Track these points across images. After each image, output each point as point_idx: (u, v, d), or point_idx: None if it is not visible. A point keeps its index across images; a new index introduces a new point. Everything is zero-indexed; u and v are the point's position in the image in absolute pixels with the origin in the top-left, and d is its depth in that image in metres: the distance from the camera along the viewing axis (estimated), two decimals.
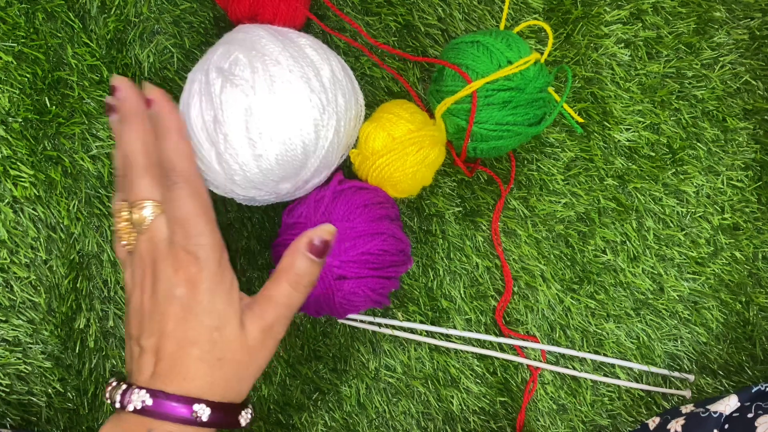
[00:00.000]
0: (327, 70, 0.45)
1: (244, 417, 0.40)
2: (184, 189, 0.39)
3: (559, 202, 0.56)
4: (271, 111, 0.42)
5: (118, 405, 0.37)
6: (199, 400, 0.37)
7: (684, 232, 0.56)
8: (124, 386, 0.38)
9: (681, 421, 0.51)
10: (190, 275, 0.39)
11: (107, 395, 0.39)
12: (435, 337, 0.54)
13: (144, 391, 0.37)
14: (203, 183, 0.41)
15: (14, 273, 0.51)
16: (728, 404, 0.49)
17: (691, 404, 0.52)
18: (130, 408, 0.37)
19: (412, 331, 0.54)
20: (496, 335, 0.55)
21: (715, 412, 0.49)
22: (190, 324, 0.38)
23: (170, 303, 0.38)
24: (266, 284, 0.41)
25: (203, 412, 0.37)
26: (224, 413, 0.38)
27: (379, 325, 0.54)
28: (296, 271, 0.40)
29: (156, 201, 0.40)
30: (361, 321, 0.54)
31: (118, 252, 0.42)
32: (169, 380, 0.38)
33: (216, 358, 0.38)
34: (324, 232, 0.40)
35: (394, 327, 0.54)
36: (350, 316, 0.52)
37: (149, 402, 0.37)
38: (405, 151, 0.46)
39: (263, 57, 0.43)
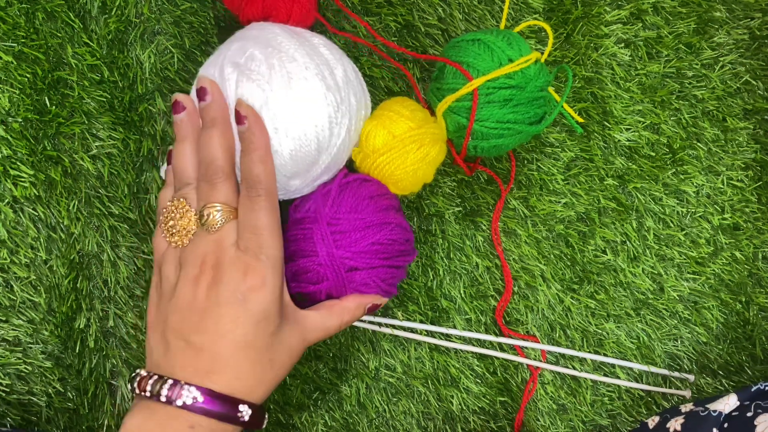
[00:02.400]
0: (340, 70, 0.45)
1: (266, 419, 0.42)
2: (266, 202, 0.42)
3: (559, 202, 0.56)
4: (287, 106, 0.43)
5: (164, 399, 0.38)
6: (243, 401, 0.39)
7: (684, 232, 0.56)
8: (170, 380, 0.38)
9: (680, 419, 0.51)
10: (256, 281, 0.40)
11: (144, 387, 0.39)
12: (435, 337, 0.54)
13: (194, 387, 0.38)
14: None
15: (14, 273, 0.51)
16: (728, 403, 0.49)
17: (691, 403, 0.52)
18: (179, 403, 0.37)
19: (412, 330, 0.54)
20: (496, 335, 0.55)
21: (714, 411, 0.49)
22: (250, 327, 0.40)
23: (232, 305, 0.40)
24: (323, 309, 0.44)
25: (246, 413, 0.39)
26: (259, 415, 0.40)
27: (380, 324, 0.54)
28: (351, 316, 0.45)
29: (230, 206, 0.42)
30: (361, 320, 0.54)
31: (158, 244, 0.44)
32: (218, 377, 0.39)
33: (268, 359, 0.41)
34: (382, 300, 0.47)
35: (394, 326, 0.54)
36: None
37: (200, 399, 0.38)
38: (406, 148, 0.46)
39: (279, 53, 0.43)
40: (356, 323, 0.54)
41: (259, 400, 0.41)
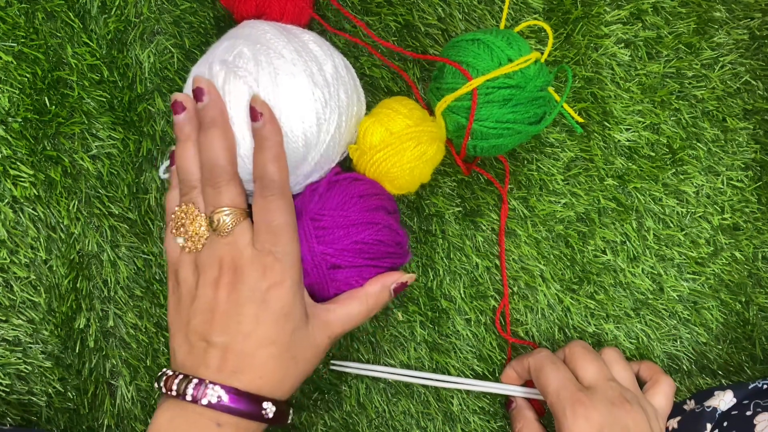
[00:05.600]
0: (330, 65, 0.45)
1: (291, 415, 0.43)
2: (281, 200, 0.42)
3: (559, 202, 0.56)
4: (274, 103, 0.43)
5: (189, 398, 0.38)
6: (267, 399, 0.40)
7: (684, 232, 0.56)
8: (195, 380, 0.39)
9: (678, 418, 0.51)
10: (275, 279, 0.41)
11: (171, 386, 0.39)
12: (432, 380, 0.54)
13: (219, 386, 0.39)
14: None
15: (14, 273, 0.51)
16: (723, 399, 0.49)
17: (690, 400, 0.52)
18: (204, 402, 0.38)
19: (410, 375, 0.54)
20: (498, 364, 0.55)
21: (708, 407, 0.49)
22: (271, 325, 0.41)
23: (253, 304, 0.40)
24: (344, 300, 0.44)
25: (270, 410, 0.40)
26: (284, 411, 0.41)
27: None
28: (376, 300, 0.45)
29: (239, 208, 0.42)
30: (354, 367, 0.53)
31: (171, 249, 0.44)
32: (241, 376, 0.40)
33: (291, 356, 0.41)
34: (408, 276, 0.46)
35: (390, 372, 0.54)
36: (342, 363, 0.53)
37: (225, 398, 0.39)
38: (402, 146, 0.46)
39: (267, 50, 0.43)
40: (348, 369, 0.53)
41: (283, 397, 0.41)
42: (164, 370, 0.41)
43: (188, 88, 0.45)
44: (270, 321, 0.41)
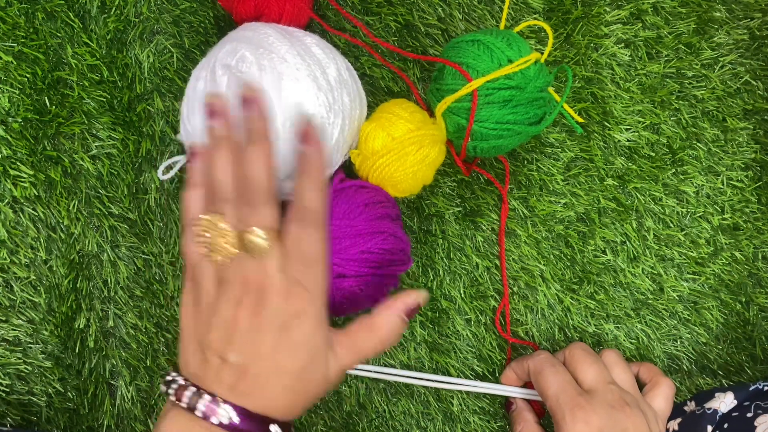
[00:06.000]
0: (333, 69, 0.45)
1: None
2: (318, 232, 0.41)
3: (559, 203, 0.56)
4: (277, 107, 0.42)
5: (199, 414, 0.38)
6: (275, 421, 0.39)
7: (684, 232, 0.56)
8: (207, 396, 0.38)
9: (678, 419, 0.51)
10: (298, 309, 0.40)
11: (181, 398, 0.39)
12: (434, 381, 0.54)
13: (230, 406, 0.38)
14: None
15: (14, 273, 0.51)
16: (724, 401, 0.49)
17: (690, 402, 0.52)
18: (214, 421, 0.38)
19: (410, 377, 0.54)
20: (498, 367, 0.55)
21: (709, 409, 0.49)
22: (289, 354, 0.40)
23: (274, 332, 0.40)
24: (355, 332, 0.42)
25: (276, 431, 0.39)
26: None
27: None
28: (390, 331, 0.43)
29: (274, 230, 0.40)
30: (354, 368, 0.53)
31: (191, 252, 0.42)
32: (252, 398, 0.39)
33: (303, 388, 0.40)
34: (419, 296, 0.44)
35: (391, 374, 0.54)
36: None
37: (236, 419, 0.38)
38: (405, 150, 0.46)
39: (270, 54, 0.43)
40: (350, 371, 0.53)
41: (289, 420, 0.41)
42: (173, 374, 0.41)
43: (191, 88, 0.45)
44: (288, 350, 0.40)
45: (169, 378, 0.41)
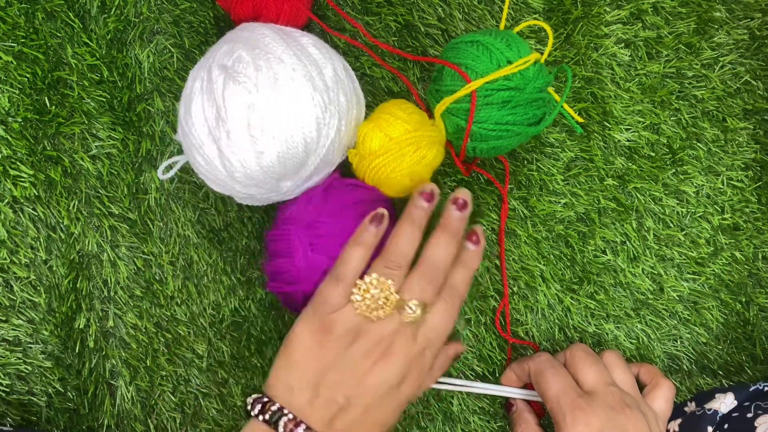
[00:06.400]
0: (330, 69, 0.45)
1: None
2: (455, 311, 0.46)
3: (559, 203, 0.56)
4: (273, 108, 0.42)
5: None
6: None
7: (684, 232, 0.56)
8: (304, 426, 0.42)
9: (678, 420, 0.51)
10: (412, 379, 0.45)
11: (276, 421, 0.42)
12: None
13: None
14: None
15: (14, 273, 0.51)
16: (724, 402, 0.49)
17: (691, 402, 0.52)
18: None
19: None
20: (499, 369, 0.55)
21: (709, 409, 0.49)
22: (392, 411, 0.45)
23: (387, 388, 0.44)
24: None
25: None
26: None
27: None
28: (441, 372, 0.50)
29: (428, 306, 0.45)
30: None
31: (334, 294, 0.44)
32: None
33: (387, 428, 0.45)
34: (460, 349, 0.52)
35: None
36: None
37: None
38: (402, 151, 0.46)
39: (267, 55, 0.43)
40: None
41: None
42: (278, 405, 0.43)
43: (188, 88, 0.45)
44: (391, 409, 0.44)
45: (275, 408, 0.42)
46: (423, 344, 0.45)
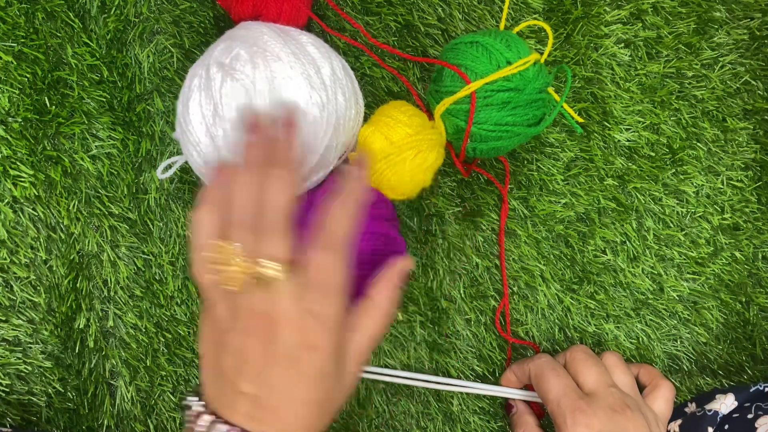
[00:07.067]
0: (328, 68, 0.45)
1: None
2: (339, 260, 0.39)
3: (559, 202, 0.56)
4: (270, 106, 0.42)
5: None
6: None
7: (684, 232, 0.56)
8: (222, 427, 0.37)
9: (679, 421, 0.51)
10: (313, 343, 0.38)
11: (197, 425, 0.38)
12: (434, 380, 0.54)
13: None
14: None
15: (14, 273, 0.51)
16: (724, 402, 0.49)
17: (691, 403, 0.52)
18: None
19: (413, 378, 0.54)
20: (498, 370, 0.55)
21: (710, 410, 0.49)
22: (305, 386, 0.38)
23: (286, 363, 0.38)
24: (364, 320, 0.41)
25: None
26: None
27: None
28: (393, 305, 0.41)
29: (288, 262, 0.38)
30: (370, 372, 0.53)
31: (203, 280, 0.40)
32: (269, 427, 0.38)
33: (323, 409, 0.39)
34: (405, 265, 0.42)
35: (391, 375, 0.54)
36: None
37: None
38: (403, 155, 0.46)
39: (264, 53, 0.43)
40: (369, 376, 0.54)
41: None
42: (191, 399, 0.40)
43: (186, 86, 0.45)
44: (303, 383, 0.38)
45: (185, 402, 0.39)
46: (312, 305, 0.38)
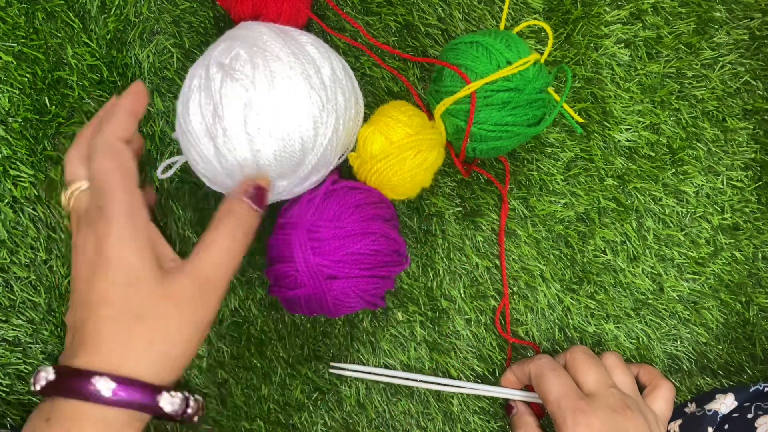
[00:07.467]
0: (327, 68, 0.45)
1: (171, 402, 0.35)
2: (100, 151, 0.39)
3: (559, 202, 0.56)
4: (270, 107, 0.42)
5: (32, 387, 0.35)
6: (101, 373, 0.33)
7: (684, 232, 0.56)
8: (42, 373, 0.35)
9: (679, 421, 0.51)
10: (99, 233, 0.37)
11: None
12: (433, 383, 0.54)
13: (51, 368, 0.34)
14: (127, 151, 0.40)
15: (14, 273, 0.51)
16: (724, 402, 0.49)
17: (691, 403, 0.52)
18: (37, 388, 0.34)
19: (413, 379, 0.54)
20: (498, 369, 0.55)
21: (710, 410, 0.49)
22: (99, 282, 0.35)
23: (82, 267, 0.37)
24: (202, 235, 0.40)
25: (104, 386, 0.33)
26: (135, 389, 0.34)
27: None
28: (234, 216, 0.40)
29: (77, 186, 0.40)
30: (354, 370, 0.54)
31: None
32: (80, 352, 0.35)
33: (133, 314, 0.35)
34: (258, 178, 0.42)
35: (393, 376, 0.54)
36: (342, 366, 0.54)
37: (51, 377, 0.34)
38: (403, 155, 0.46)
39: (264, 53, 0.43)
40: (348, 373, 0.54)
41: (135, 370, 0.34)
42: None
43: (186, 86, 0.45)
44: (96, 279, 0.35)
45: None
46: (94, 202, 0.38)
